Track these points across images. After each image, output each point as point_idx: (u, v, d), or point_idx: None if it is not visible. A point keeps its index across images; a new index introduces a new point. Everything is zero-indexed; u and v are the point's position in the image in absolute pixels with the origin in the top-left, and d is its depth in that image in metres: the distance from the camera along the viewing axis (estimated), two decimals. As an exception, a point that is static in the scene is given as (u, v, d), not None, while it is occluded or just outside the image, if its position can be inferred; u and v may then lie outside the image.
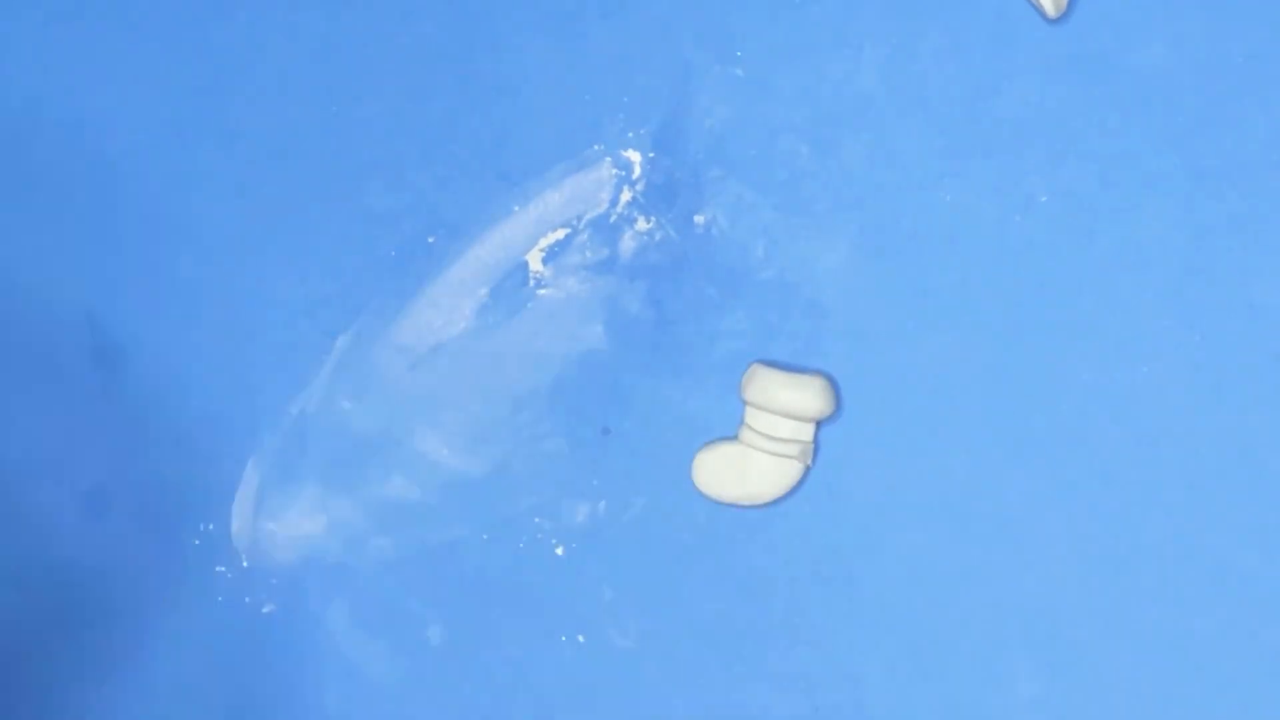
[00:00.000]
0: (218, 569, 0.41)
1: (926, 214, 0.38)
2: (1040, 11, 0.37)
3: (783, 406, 0.37)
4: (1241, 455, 0.38)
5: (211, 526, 0.41)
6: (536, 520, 0.40)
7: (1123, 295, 0.38)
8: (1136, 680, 0.38)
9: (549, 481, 0.40)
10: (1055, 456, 0.38)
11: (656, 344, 0.39)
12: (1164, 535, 0.38)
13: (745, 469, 0.38)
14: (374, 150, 0.40)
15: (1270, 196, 0.37)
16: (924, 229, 0.39)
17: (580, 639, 0.40)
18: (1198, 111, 0.38)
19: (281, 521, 0.41)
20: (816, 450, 0.38)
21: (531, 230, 0.40)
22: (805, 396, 0.37)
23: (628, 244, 0.40)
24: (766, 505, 0.39)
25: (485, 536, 0.40)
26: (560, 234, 0.40)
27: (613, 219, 0.40)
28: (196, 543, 0.41)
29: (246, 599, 0.41)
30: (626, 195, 0.39)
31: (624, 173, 0.39)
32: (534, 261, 0.40)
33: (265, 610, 0.41)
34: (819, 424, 0.38)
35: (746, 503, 0.38)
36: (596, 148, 0.39)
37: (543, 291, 0.40)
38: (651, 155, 0.39)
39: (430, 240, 0.40)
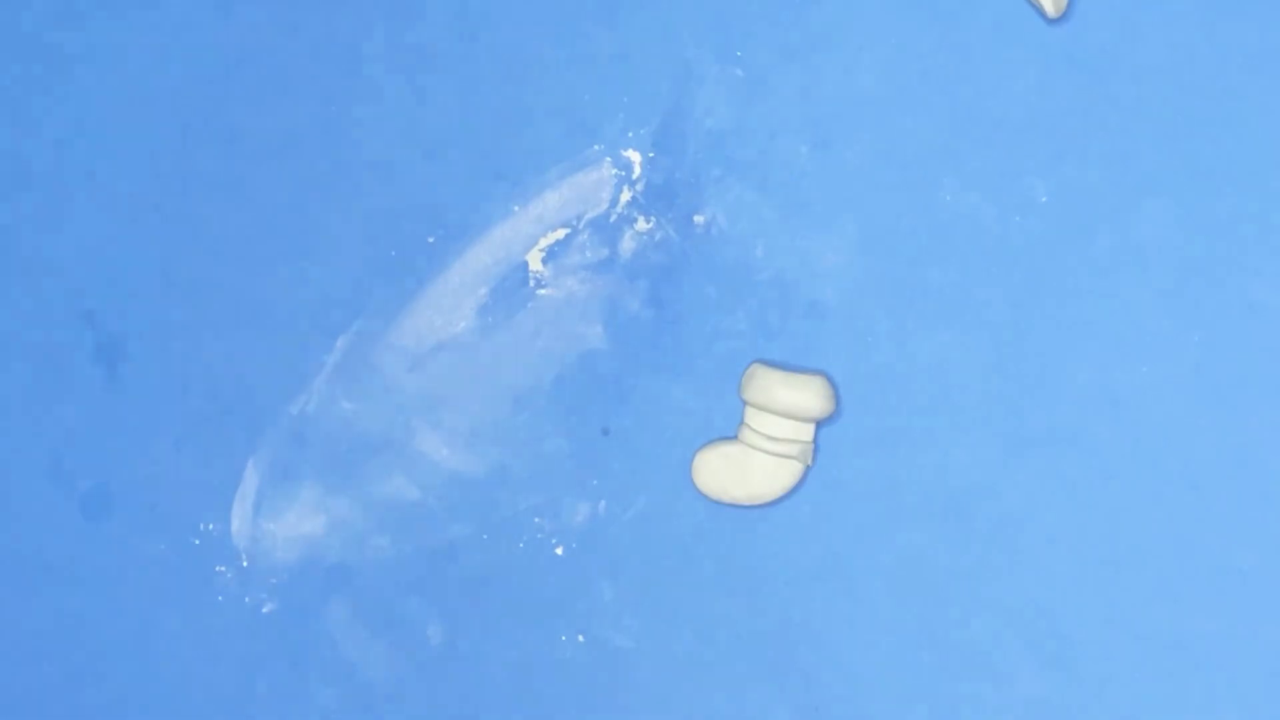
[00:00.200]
0: (218, 569, 0.41)
1: (926, 214, 0.38)
2: (1040, 11, 0.37)
3: (783, 406, 0.37)
4: (1241, 455, 0.38)
5: (212, 526, 0.41)
6: (536, 520, 0.40)
7: (1123, 295, 0.38)
8: (1136, 680, 0.38)
9: (549, 481, 0.40)
10: (1055, 456, 0.38)
11: (656, 344, 0.39)
12: (1164, 535, 0.38)
13: (745, 469, 0.38)
14: (374, 150, 0.40)
15: (1270, 196, 0.37)
16: (924, 229, 0.38)
17: (580, 639, 0.39)
18: (1198, 111, 0.37)
19: (281, 521, 0.41)
20: (816, 450, 0.38)
21: (531, 230, 0.40)
22: (805, 396, 0.37)
23: (628, 244, 0.39)
24: (766, 505, 0.39)
25: (485, 536, 0.40)
26: (560, 234, 0.40)
27: (613, 219, 0.39)
28: (196, 543, 0.41)
29: (246, 599, 0.41)
30: (626, 195, 0.39)
31: (624, 173, 0.39)
32: (534, 261, 0.40)
33: (265, 610, 0.41)
34: (819, 424, 0.38)
35: (747, 503, 0.38)
36: (596, 148, 0.39)
37: (543, 291, 0.40)
38: (651, 155, 0.39)
39: (430, 240, 0.40)
